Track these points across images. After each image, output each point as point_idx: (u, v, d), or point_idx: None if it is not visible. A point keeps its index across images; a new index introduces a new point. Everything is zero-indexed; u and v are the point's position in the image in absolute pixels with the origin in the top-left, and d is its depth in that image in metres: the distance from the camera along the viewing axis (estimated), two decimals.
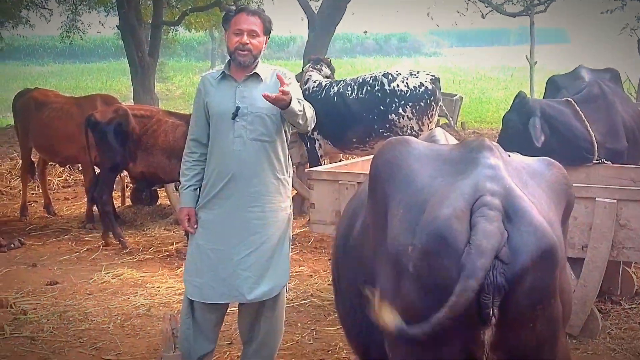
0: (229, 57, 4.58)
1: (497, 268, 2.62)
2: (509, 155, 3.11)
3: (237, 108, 4.47)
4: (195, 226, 4.59)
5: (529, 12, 17.16)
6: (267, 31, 4.55)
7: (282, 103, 4.31)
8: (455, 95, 8.84)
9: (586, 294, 5.28)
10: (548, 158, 3.29)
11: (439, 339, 2.66)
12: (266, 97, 4.28)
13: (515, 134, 6.46)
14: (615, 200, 5.12)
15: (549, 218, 2.84)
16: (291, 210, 4.75)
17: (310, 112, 4.55)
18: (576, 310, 5.27)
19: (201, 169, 4.61)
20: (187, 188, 4.61)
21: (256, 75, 4.54)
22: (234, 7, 4.69)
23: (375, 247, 3.06)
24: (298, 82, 9.17)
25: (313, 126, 4.71)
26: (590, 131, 6.41)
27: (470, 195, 2.73)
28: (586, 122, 6.52)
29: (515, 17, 18.05)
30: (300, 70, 10.36)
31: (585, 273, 5.26)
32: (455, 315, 2.56)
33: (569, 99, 6.69)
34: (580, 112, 6.57)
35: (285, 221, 4.65)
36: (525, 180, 2.97)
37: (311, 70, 9.60)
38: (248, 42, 4.44)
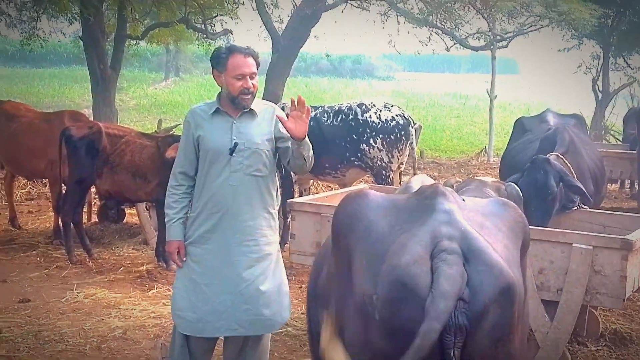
0: (227, 97, 4.60)
1: (459, 308, 2.77)
2: (464, 200, 3.29)
3: (235, 144, 4.55)
4: (184, 259, 4.65)
5: (492, 46, 17.54)
6: (258, 66, 4.65)
7: (302, 129, 4.41)
8: (415, 124, 9.01)
9: (559, 336, 5.45)
10: (502, 199, 3.54)
11: None
12: (284, 123, 4.38)
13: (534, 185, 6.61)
14: (591, 247, 5.32)
15: (506, 256, 2.99)
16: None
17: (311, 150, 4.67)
18: (549, 352, 5.48)
19: (188, 201, 4.69)
20: (175, 221, 4.66)
21: (251, 111, 4.64)
22: (223, 47, 4.72)
23: (341, 297, 3.17)
24: None
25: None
26: (578, 182, 6.65)
27: (428, 241, 2.89)
28: (574, 173, 6.77)
29: (477, 52, 18.44)
30: None
31: (559, 316, 5.44)
32: (420, 358, 2.67)
33: (558, 154, 6.91)
34: (569, 165, 6.81)
35: (277, 254, 4.77)
36: (481, 222, 3.12)
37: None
38: (251, 85, 4.55)
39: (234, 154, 4.55)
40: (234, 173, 4.56)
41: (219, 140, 4.57)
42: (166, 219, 4.72)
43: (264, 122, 4.66)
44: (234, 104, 4.58)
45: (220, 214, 4.57)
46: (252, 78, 4.55)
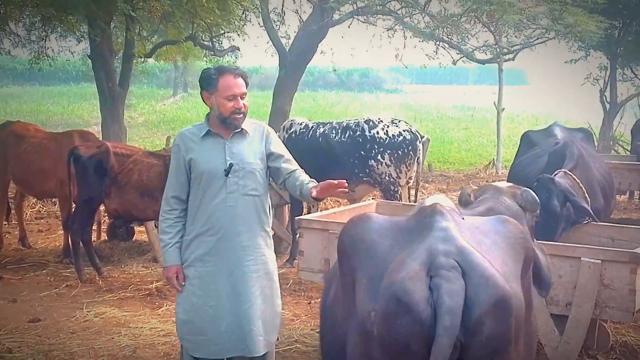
0: (218, 117, 4.63)
1: None
2: (463, 218, 3.38)
3: (231, 165, 4.59)
4: (183, 283, 4.66)
5: (498, 59, 17.55)
6: (247, 86, 4.70)
7: (324, 197, 4.64)
8: (423, 137, 9.04)
9: (569, 350, 5.47)
10: (503, 216, 3.59)
11: None
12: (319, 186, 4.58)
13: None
14: (599, 261, 5.33)
15: (504, 271, 3.06)
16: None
17: None
18: None
19: (182, 225, 4.70)
20: (172, 246, 4.67)
21: (243, 130, 4.68)
22: (212, 68, 4.73)
23: (345, 316, 3.28)
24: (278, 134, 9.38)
25: None
26: (587, 197, 6.66)
27: (425, 258, 2.99)
28: (584, 189, 6.78)
29: (484, 64, 18.45)
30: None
31: (568, 330, 5.45)
32: None
33: (567, 171, 6.93)
34: (578, 181, 6.82)
35: (274, 272, 4.83)
36: (479, 239, 3.21)
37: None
38: (243, 105, 4.58)
39: (229, 175, 4.59)
40: (231, 194, 4.60)
41: (212, 162, 4.60)
42: (161, 244, 4.74)
43: (255, 142, 4.73)
44: (225, 124, 4.60)
45: (218, 236, 4.61)
46: (242, 98, 4.60)
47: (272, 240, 4.87)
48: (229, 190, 4.59)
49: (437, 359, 2.77)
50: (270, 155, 4.74)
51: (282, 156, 4.80)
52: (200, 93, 4.69)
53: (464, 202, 4.77)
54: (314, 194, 4.53)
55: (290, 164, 4.80)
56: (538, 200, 4.90)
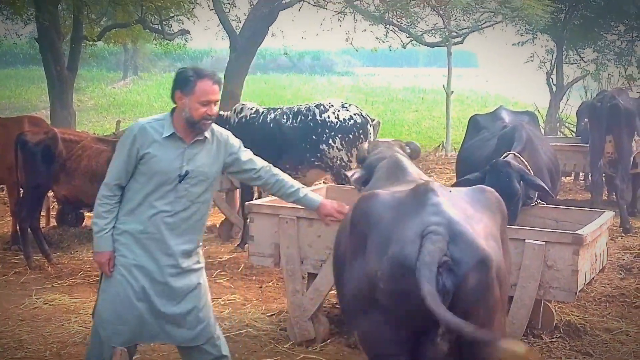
0: (173, 112, 4.60)
1: (446, 276, 3.58)
2: (450, 191, 4.10)
3: (186, 172, 4.58)
4: (112, 270, 4.59)
5: (447, 43, 17.73)
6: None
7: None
8: (374, 120, 9.10)
9: (514, 330, 5.57)
10: (482, 186, 4.40)
11: (398, 321, 3.73)
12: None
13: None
14: (543, 243, 5.46)
15: (485, 233, 3.85)
16: None
17: None
18: None
19: (117, 212, 4.61)
20: (107, 232, 4.56)
21: (204, 138, 4.66)
22: (189, 69, 4.63)
23: (355, 267, 4.00)
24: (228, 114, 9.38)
25: None
26: (538, 179, 6.80)
27: (419, 228, 3.69)
28: (531, 171, 6.92)
29: (433, 48, 18.62)
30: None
31: (513, 310, 5.57)
32: (435, 302, 3.43)
33: (515, 153, 7.05)
34: (526, 163, 6.96)
35: (204, 275, 4.86)
36: (464, 207, 3.93)
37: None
38: (215, 112, 4.58)
39: (181, 182, 4.59)
40: (179, 199, 4.59)
41: (169, 164, 4.56)
42: (96, 228, 4.60)
43: (214, 150, 4.72)
44: (192, 128, 4.56)
45: (157, 235, 4.59)
46: (215, 105, 4.59)
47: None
48: (178, 195, 4.58)
49: (431, 297, 3.42)
50: (235, 162, 4.79)
51: (250, 159, 4.86)
52: (173, 91, 4.60)
53: (362, 157, 5.40)
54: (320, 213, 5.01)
55: (256, 163, 4.89)
56: (420, 148, 5.62)
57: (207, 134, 4.66)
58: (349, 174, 5.36)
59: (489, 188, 4.27)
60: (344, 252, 4.26)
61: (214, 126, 4.74)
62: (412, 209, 3.83)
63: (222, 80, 4.71)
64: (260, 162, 4.92)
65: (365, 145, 5.52)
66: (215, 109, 4.57)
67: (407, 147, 5.46)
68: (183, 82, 4.55)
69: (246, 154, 4.86)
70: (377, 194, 4.11)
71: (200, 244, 4.82)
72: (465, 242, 3.66)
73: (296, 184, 4.99)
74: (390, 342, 3.84)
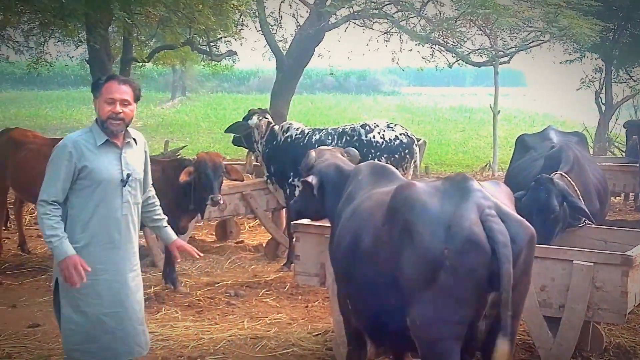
0: (98, 121, 4.66)
1: None
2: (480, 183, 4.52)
3: (128, 175, 4.69)
4: (88, 269, 4.53)
5: (494, 62, 17.65)
6: (137, 99, 4.74)
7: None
8: (420, 140, 9.16)
9: (562, 352, 5.53)
10: (497, 180, 5.29)
11: (460, 299, 4.03)
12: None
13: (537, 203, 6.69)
14: (592, 263, 5.41)
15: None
16: None
17: None
18: None
19: (63, 224, 4.62)
20: (65, 238, 4.55)
21: (134, 140, 4.78)
22: (103, 77, 4.80)
23: (396, 254, 4.24)
24: (251, 126, 9.43)
25: None
26: (582, 200, 6.74)
27: (477, 210, 4.09)
28: (578, 192, 6.86)
29: (480, 67, 18.56)
30: (258, 107, 10.58)
31: (562, 332, 5.52)
32: (510, 283, 3.92)
33: (562, 173, 6.99)
34: (574, 184, 6.90)
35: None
36: (495, 194, 4.35)
37: (262, 118, 9.79)
38: (121, 111, 4.59)
39: (125, 185, 4.69)
40: (125, 203, 4.71)
41: (110, 171, 4.65)
42: (52, 239, 4.55)
43: (139, 152, 4.86)
44: (102, 128, 4.62)
45: (113, 244, 4.68)
46: (124, 105, 4.61)
47: None
48: (124, 200, 4.69)
49: (506, 280, 3.88)
50: (145, 167, 4.98)
51: (148, 174, 5.03)
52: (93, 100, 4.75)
53: (310, 165, 5.65)
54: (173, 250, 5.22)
55: (148, 182, 5.08)
56: (358, 155, 6.10)
57: (133, 136, 4.78)
58: (309, 179, 5.46)
59: (502, 183, 4.87)
60: (373, 244, 4.49)
61: (132, 130, 4.83)
62: (459, 194, 4.20)
63: (137, 85, 4.74)
64: (151, 180, 5.09)
65: (313, 153, 5.77)
66: (121, 108, 4.58)
67: (346, 154, 5.91)
68: (94, 87, 4.71)
69: (149, 165, 5.03)
70: (415, 184, 4.45)
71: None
72: (515, 220, 4.14)
73: (163, 216, 5.18)
74: (447, 324, 4.08)
